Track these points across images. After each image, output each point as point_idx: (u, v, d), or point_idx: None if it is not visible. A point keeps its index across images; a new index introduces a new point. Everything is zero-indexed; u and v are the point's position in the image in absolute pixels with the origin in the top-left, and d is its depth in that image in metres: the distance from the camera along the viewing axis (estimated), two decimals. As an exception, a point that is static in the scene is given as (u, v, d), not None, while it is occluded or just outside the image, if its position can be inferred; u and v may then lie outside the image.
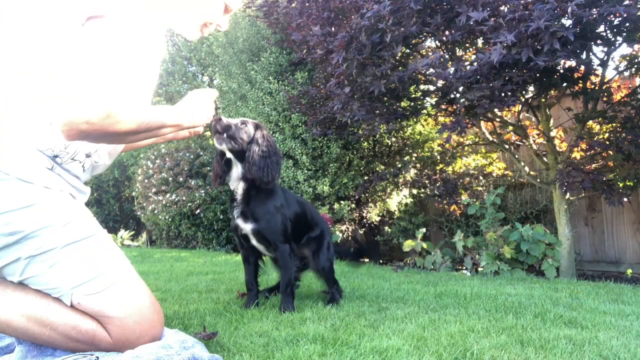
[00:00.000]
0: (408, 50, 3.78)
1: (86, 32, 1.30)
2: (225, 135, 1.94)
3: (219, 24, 1.67)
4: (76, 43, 1.29)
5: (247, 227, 2.05)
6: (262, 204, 2.04)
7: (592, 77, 3.44)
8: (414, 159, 5.05)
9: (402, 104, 3.90)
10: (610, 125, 3.64)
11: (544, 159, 3.85)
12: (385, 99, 3.70)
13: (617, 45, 3.11)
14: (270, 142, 2.02)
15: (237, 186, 2.05)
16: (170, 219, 6.23)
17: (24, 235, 1.26)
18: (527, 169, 3.89)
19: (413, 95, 3.89)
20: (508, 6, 2.68)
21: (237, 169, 2.04)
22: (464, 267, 3.87)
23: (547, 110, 3.77)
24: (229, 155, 2.02)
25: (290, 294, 2.06)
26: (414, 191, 4.98)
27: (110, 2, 1.33)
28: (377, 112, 3.55)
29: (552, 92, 3.72)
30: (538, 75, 3.16)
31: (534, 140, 4.06)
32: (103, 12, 1.30)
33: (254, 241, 2.11)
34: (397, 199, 5.26)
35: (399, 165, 4.61)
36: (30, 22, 1.33)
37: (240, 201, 2.05)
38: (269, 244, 2.09)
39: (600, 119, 3.62)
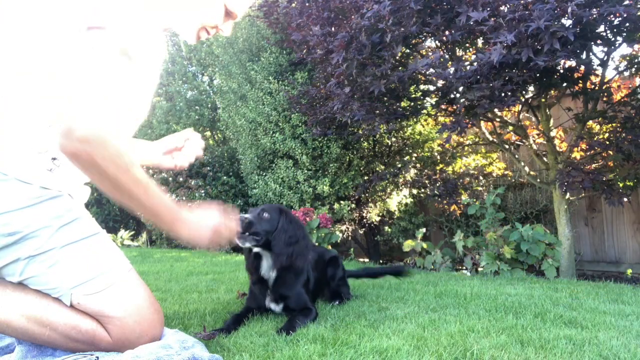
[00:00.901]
0: (408, 50, 3.78)
1: (87, 46, 1.28)
2: (247, 233, 1.84)
3: (221, 29, 1.64)
4: (76, 53, 1.28)
5: (277, 308, 1.99)
6: (290, 286, 1.97)
7: (592, 77, 3.44)
8: (414, 159, 5.05)
9: (402, 104, 3.89)
10: (610, 125, 3.64)
11: (544, 159, 3.85)
12: (385, 99, 3.70)
13: (617, 45, 3.10)
14: (297, 225, 1.96)
15: (270, 275, 1.96)
16: (170, 219, 6.22)
17: (22, 235, 1.26)
18: (527, 169, 3.89)
19: (413, 95, 3.89)
20: (508, 6, 2.68)
21: (267, 261, 1.95)
22: (464, 267, 3.87)
23: (547, 110, 3.77)
24: (256, 249, 1.95)
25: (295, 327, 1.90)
26: (414, 191, 4.98)
27: (111, 13, 1.32)
28: (377, 112, 3.55)
29: (552, 92, 3.72)
30: (538, 75, 3.16)
31: (534, 140, 4.06)
32: (103, 24, 1.30)
33: (278, 310, 2.03)
34: (397, 199, 5.26)
35: (399, 165, 4.61)
36: (30, 23, 1.33)
37: (272, 289, 1.97)
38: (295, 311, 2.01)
39: (600, 119, 3.62)
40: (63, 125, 1.18)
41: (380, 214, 5.23)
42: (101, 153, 1.19)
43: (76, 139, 1.16)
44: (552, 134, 3.83)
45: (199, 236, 1.43)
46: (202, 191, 5.87)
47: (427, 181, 4.45)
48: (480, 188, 4.55)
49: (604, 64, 3.31)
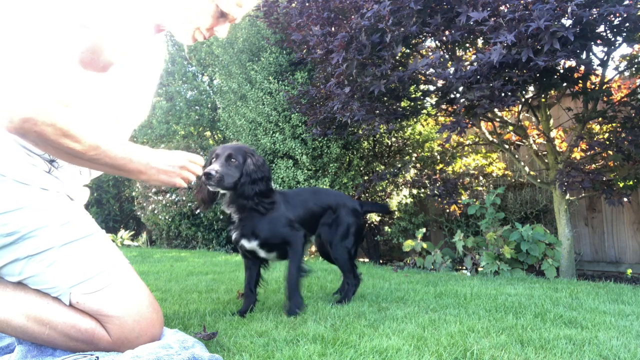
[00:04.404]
0: (408, 50, 3.78)
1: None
2: (216, 182, 1.87)
3: (216, 31, 1.62)
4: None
5: (252, 244, 2.01)
6: (260, 220, 1.98)
7: (592, 77, 3.43)
8: (414, 159, 5.05)
9: (402, 104, 3.89)
10: (610, 125, 3.64)
11: (544, 159, 3.84)
12: (385, 99, 3.70)
13: (617, 45, 3.10)
14: (261, 167, 1.97)
15: (232, 210, 2.00)
16: (170, 219, 6.23)
17: (21, 235, 1.27)
18: (527, 169, 3.89)
19: (413, 95, 3.89)
20: (508, 6, 2.68)
21: (226, 196, 1.98)
22: (464, 267, 3.87)
23: (547, 110, 3.77)
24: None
25: (297, 290, 1.99)
26: (414, 191, 4.98)
27: (98, 15, 1.32)
28: (377, 112, 3.55)
29: (552, 92, 3.72)
30: (538, 75, 3.16)
31: (534, 140, 4.06)
32: (91, 23, 1.31)
33: (262, 254, 2.06)
34: (397, 199, 5.25)
35: (399, 165, 4.61)
36: (28, 23, 1.33)
37: (238, 224, 2.00)
38: (278, 250, 2.05)
39: (600, 119, 3.62)
40: (9, 103, 1.16)
41: (380, 214, 5.23)
42: (49, 130, 1.18)
43: (19, 118, 1.16)
44: (552, 134, 3.83)
45: (157, 175, 1.45)
46: (202, 191, 5.85)
47: (427, 181, 4.45)
48: (480, 188, 4.55)
49: (604, 64, 3.31)
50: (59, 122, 1.19)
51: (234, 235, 2.03)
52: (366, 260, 5.12)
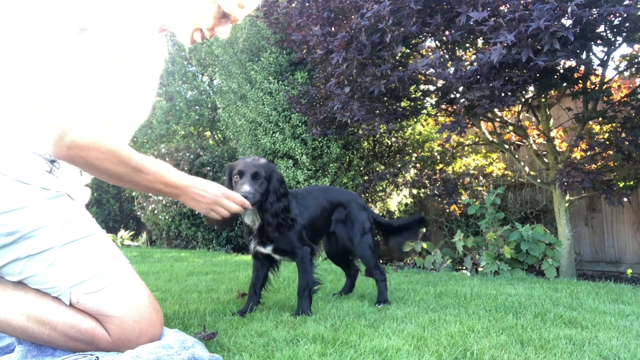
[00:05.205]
0: (408, 50, 3.78)
1: (79, 48, 1.30)
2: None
3: (217, 32, 1.62)
4: (69, 55, 1.30)
5: (267, 249, 2.04)
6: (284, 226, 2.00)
7: (592, 77, 3.44)
8: (414, 159, 5.05)
9: (402, 104, 3.89)
10: (610, 125, 3.64)
11: (544, 159, 3.84)
12: (385, 99, 3.70)
13: (617, 45, 3.10)
14: (283, 184, 1.97)
15: (254, 224, 2.01)
16: (170, 219, 6.23)
17: (21, 235, 1.27)
18: (527, 169, 3.89)
19: (413, 95, 3.89)
20: (508, 6, 2.68)
21: (249, 211, 1.96)
22: (464, 267, 3.87)
23: (547, 110, 3.77)
24: None
25: (307, 297, 2.01)
26: (414, 191, 4.98)
27: (103, 14, 1.32)
28: (377, 112, 3.55)
29: (552, 92, 3.72)
30: (538, 75, 3.16)
31: (534, 140, 4.06)
32: (94, 26, 1.32)
33: (276, 256, 2.11)
34: (397, 199, 5.26)
35: (399, 165, 4.61)
36: (26, 24, 1.34)
37: (257, 234, 2.03)
38: (290, 255, 2.09)
39: (600, 119, 3.62)
40: (54, 132, 1.22)
41: (380, 214, 5.23)
42: (93, 155, 1.24)
43: (65, 146, 1.21)
44: (552, 134, 3.83)
45: (200, 205, 1.53)
46: (202, 191, 5.85)
47: (427, 181, 4.45)
48: (480, 188, 4.55)
49: (604, 64, 3.31)
50: (103, 147, 1.25)
51: (252, 244, 2.06)
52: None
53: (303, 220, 2.10)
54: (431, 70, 3.25)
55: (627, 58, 3.47)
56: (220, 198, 1.56)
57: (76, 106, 1.26)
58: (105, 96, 1.29)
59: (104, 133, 1.25)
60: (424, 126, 5.22)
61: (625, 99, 3.42)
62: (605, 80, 3.41)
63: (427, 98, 3.98)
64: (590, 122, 3.78)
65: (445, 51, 3.67)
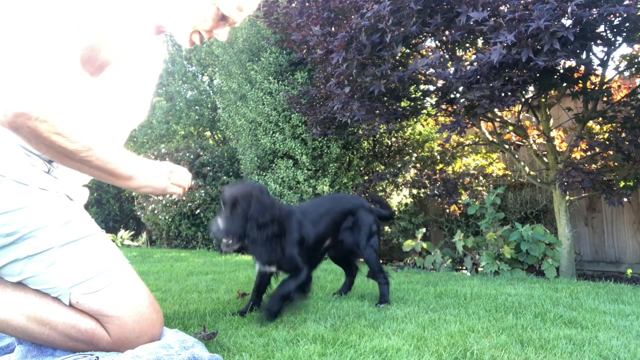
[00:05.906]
0: (408, 50, 3.78)
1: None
2: (226, 241, 1.84)
3: (215, 34, 1.61)
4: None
5: (271, 269, 2.03)
6: (278, 249, 1.94)
7: (592, 77, 3.44)
8: (414, 159, 5.05)
9: (402, 104, 3.89)
10: (610, 125, 3.64)
11: (544, 159, 3.84)
12: (385, 99, 3.70)
13: (617, 45, 3.10)
14: (269, 209, 1.88)
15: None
16: (170, 219, 6.23)
17: (20, 235, 1.27)
18: (527, 169, 3.89)
19: (413, 95, 3.89)
20: (508, 6, 2.68)
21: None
22: (464, 267, 3.87)
23: (547, 110, 3.77)
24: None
25: (282, 300, 1.88)
26: (414, 191, 4.98)
27: (98, 14, 1.32)
28: (377, 112, 3.55)
29: (552, 92, 3.72)
30: (538, 75, 3.16)
31: (534, 141, 4.06)
32: (90, 23, 1.31)
33: (280, 272, 2.08)
34: (397, 199, 5.25)
35: (399, 165, 4.61)
36: (24, 24, 1.34)
37: (253, 251, 1.98)
38: (291, 272, 2.04)
39: (600, 119, 3.62)
40: (4, 97, 1.15)
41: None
42: (42, 126, 1.16)
43: (12, 113, 1.14)
44: (552, 134, 3.83)
45: (147, 180, 1.43)
46: (202, 191, 5.87)
47: (427, 181, 4.45)
48: (480, 188, 4.55)
49: (604, 64, 3.31)
50: (53, 119, 1.17)
51: (256, 262, 2.03)
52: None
53: (310, 240, 2.06)
54: (431, 70, 3.25)
55: (627, 58, 3.47)
56: (172, 169, 1.52)
57: (31, 77, 1.18)
58: (67, 75, 1.25)
59: (56, 107, 1.18)
60: (424, 126, 5.22)
61: (625, 99, 3.42)
62: (605, 80, 3.41)
63: (427, 98, 3.98)
64: (590, 122, 3.78)
65: (445, 51, 3.67)
